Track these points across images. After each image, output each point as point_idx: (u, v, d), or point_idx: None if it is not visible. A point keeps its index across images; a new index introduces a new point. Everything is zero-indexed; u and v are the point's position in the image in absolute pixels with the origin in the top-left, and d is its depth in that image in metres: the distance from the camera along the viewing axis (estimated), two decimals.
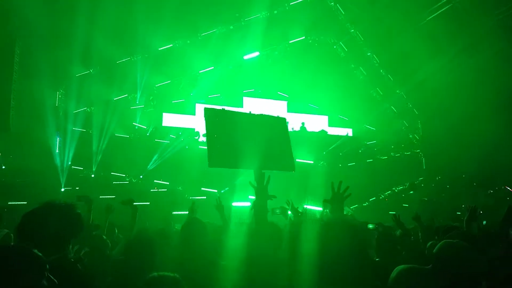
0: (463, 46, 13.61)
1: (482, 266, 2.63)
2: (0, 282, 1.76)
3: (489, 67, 13.97)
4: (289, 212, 5.69)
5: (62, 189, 12.65)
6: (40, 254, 1.91)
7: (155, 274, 2.23)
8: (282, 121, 5.22)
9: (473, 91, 13.91)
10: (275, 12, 15.63)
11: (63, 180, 12.76)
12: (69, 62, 12.84)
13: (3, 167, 12.29)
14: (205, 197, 13.80)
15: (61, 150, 13.12)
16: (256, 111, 5.22)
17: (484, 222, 8.03)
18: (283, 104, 18.09)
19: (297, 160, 14.20)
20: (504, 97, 13.97)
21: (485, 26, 14.11)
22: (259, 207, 3.30)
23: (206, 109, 4.81)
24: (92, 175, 13.57)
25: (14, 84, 11.37)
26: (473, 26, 14.16)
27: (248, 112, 5.22)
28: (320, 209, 9.04)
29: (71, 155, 13.15)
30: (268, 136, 4.86)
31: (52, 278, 1.92)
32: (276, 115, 5.29)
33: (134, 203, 4.95)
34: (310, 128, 17.15)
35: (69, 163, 13.06)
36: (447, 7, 14.04)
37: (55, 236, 2.29)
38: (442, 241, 2.84)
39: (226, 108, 5.35)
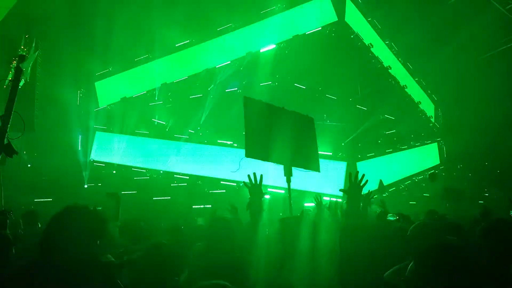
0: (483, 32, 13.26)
1: None
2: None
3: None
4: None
5: (86, 186, 12.98)
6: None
7: (205, 283, 2.11)
8: (310, 121, 5.34)
9: (495, 76, 13.55)
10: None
11: (86, 177, 13.08)
12: (90, 61, 13.07)
13: (29, 165, 12.65)
14: (224, 191, 13.96)
15: (84, 148, 13.43)
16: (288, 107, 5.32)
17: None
18: None
19: None
20: None
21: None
22: (254, 206, 3.32)
23: (245, 98, 4.87)
24: (114, 171, 13.85)
25: (38, 85, 11.63)
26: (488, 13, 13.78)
27: (281, 107, 5.29)
28: (340, 200, 9.07)
29: (93, 152, 13.47)
30: (298, 134, 4.98)
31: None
32: (305, 114, 5.37)
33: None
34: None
35: (91, 159, 13.37)
36: None
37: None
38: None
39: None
